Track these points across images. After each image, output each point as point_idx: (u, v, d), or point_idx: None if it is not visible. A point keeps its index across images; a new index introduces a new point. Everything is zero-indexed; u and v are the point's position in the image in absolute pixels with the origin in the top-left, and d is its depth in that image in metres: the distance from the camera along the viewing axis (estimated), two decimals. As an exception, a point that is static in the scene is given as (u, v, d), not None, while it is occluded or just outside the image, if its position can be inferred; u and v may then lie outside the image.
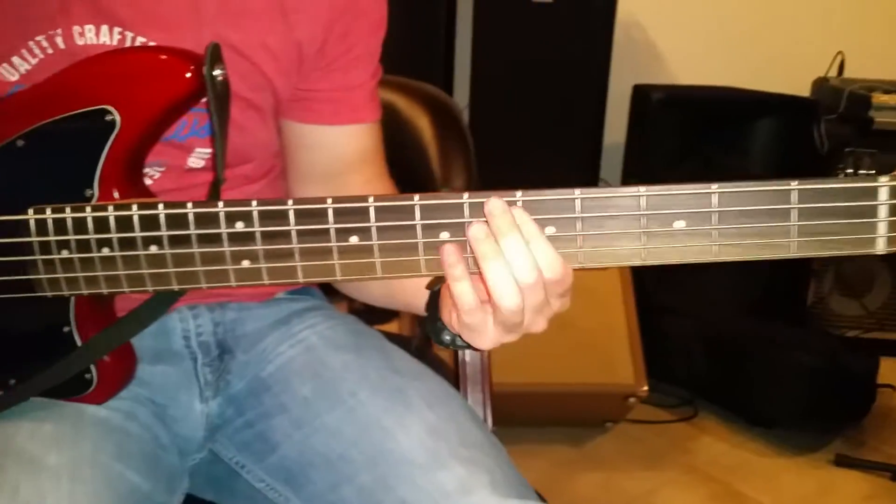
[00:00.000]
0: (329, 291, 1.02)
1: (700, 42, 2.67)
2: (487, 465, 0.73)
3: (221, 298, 0.87)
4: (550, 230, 0.59)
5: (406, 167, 1.04)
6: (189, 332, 0.85)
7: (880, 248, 0.57)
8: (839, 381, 1.99)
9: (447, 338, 0.71)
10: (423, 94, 1.23)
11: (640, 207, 0.58)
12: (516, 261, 0.58)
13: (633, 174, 2.37)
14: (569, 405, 1.92)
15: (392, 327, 1.55)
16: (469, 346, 0.70)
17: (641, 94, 2.33)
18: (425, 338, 1.26)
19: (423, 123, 1.21)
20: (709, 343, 2.13)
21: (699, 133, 2.29)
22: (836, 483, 1.88)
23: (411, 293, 0.79)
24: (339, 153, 0.88)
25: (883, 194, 0.56)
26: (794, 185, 0.57)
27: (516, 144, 2.34)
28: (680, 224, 0.58)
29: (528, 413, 1.85)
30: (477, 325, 0.63)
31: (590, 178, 2.50)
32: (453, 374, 1.08)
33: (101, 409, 0.75)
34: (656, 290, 2.13)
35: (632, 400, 1.87)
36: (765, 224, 0.57)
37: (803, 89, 2.48)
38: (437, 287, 0.72)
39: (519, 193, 0.59)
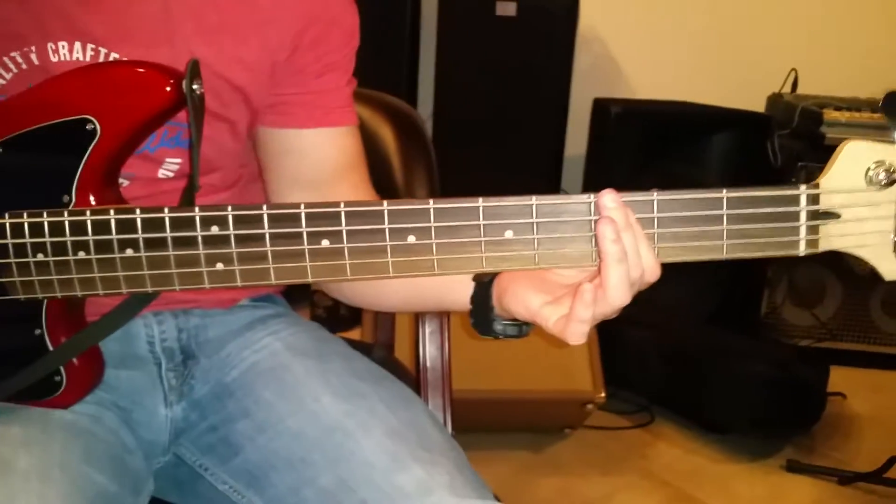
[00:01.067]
0: (292, 299, 1.04)
1: (659, 57, 2.74)
2: (446, 467, 0.75)
3: (186, 305, 0.88)
4: (509, 234, 0.63)
5: (370, 177, 1.07)
6: (153, 337, 0.86)
7: (801, 249, 0.63)
8: (791, 389, 2.05)
9: (499, 327, 0.74)
10: (387, 106, 1.26)
11: (590, 213, 0.63)
12: (631, 260, 0.62)
13: (594, 186, 2.40)
14: (528, 411, 1.95)
15: (354, 334, 1.57)
16: (519, 334, 0.73)
17: (601, 108, 2.38)
18: (386, 344, 1.29)
19: (386, 134, 1.23)
20: (665, 351, 2.17)
21: (658, 146, 2.34)
22: (786, 488, 1.94)
23: (447, 288, 0.80)
24: (319, 158, 0.88)
25: (803, 201, 0.62)
26: (725, 193, 0.62)
27: (479, 154, 2.37)
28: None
29: (488, 419, 1.87)
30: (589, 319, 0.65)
31: (551, 188, 2.53)
32: (414, 380, 1.10)
33: (68, 412, 0.75)
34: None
35: (590, 406, 1.90)
36: (700, 228, 0.62)
37: (758, 105, 2.55)
38: (486, 278, 0.74)
39: (480, 200, 0.62)
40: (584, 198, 0.63)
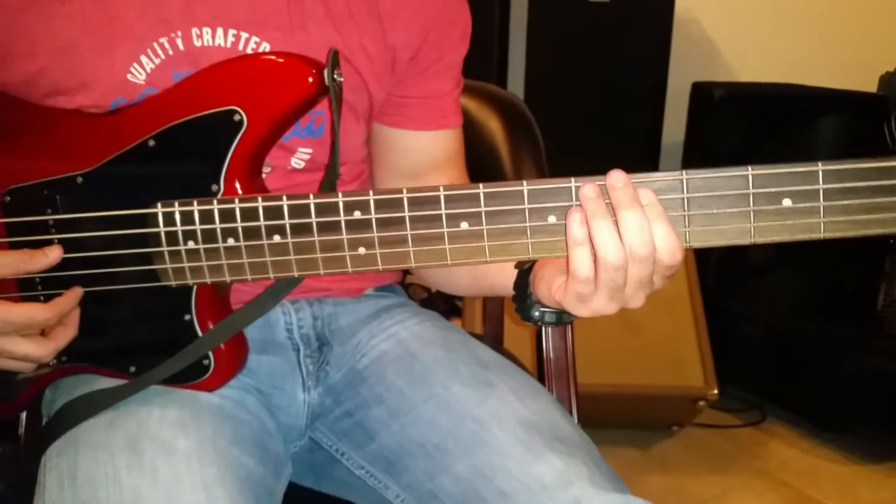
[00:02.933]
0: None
1: (760, 38, 2.63)
2: (583, 459, 0.75)
3: (319, 293, 0.91)
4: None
5: (478, 168, 1.07)
6: (292, 324, 0.89)
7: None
8: (914, 386, 1.96)
9: (536, 314, 0.75)
10: (493, 96, 1.27)
11: (748, 186, 0.60)
12: (633, 232, 0.61)
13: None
14: (637, 407, 1.91)
15: (455, 324, 1.58)
16: (558, 322, 0.74)
17: (702, 92, 2.29)
18: (496, 336, 1.29)
19: (493, 125, 1.24)
20: (777, 346, 2.10)
21: (762, 131, 2.26)
22: (913, 492, 1.85)
23: (495, 274, 0.84)
24: (426, 157, 0.92)
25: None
26: (896, 162, 0.59)
27: (572, 145, 2.33)
28: (787, 202, 0.59)
29: (596, 414, 1.84)
30: (586, 294, 0.65)
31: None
32: (530, 372, 1.10)
33: (214, 396, 0.78)
34: (723, 293, 2.12)
35: (701, 403, 1.85)
36: (869, 200, 0.59)
37: (870, 85, 2.42)
38: (526, 265, 0.75)
39: (630, 176, 0.61)
40: (740, 170, 0.61)
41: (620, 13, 2.27)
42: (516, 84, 2.47)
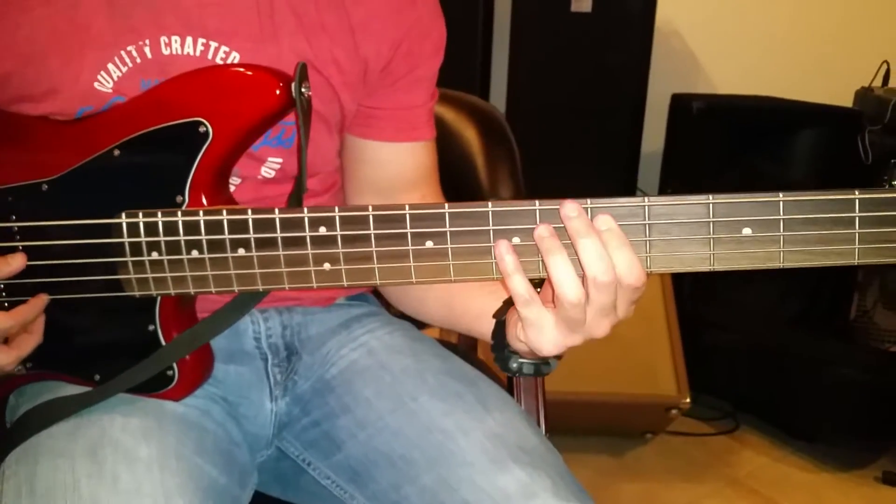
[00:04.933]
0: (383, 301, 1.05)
1: (739, 51, 2.66)
2: (547, 471, 0.75)
3: (289, 303, 0.91)
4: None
5: (453, 178, 1.07)
6: (260, 333, 0.88)
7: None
8: (885, 396, 1.98)
9: (514, 365, 0.75)
10: (470, 106, 1.27)
11: (708, 215, 0.60)
12: (592, 259, 0.61)
13: (672, 183, 2.37)
14: (610, 415, 1.92)
15: (433, 333, 1.58)
16: (536, 373, 0.74)
17: (681, 103, 2.32)
18: (470, 345, 1.29)
19: (469, 135, 1.24)
20: (751, 355, 2.12)
21: (740, 143, 2.28)
22: (883, 501, 1.87)
23: (474, 317, 0.82)
24: (397, 169, 0.91)
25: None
26: (858, 194, 0.59)
27: (553, 153, 2.35)
28: (747, 231, 0.60)
29: (569, 421, 1.86)
30: (536, 319, 0.66)
31: (627, 186, 2.50)
32: (501, 382, 1.10)
33: (179, 405, 0.78)
34: (697, 302, 2.13)
35: (674, 411, 1.87)
36: (829, 231, 0.59)
37: (846, 99, 2.46)
38: (503, 316, 0.75)
39: (588, 201, 0.62)
40: (701, 198, 0.61)
41: (602, 24, 2.29)
42: (499, 93, 2.48)
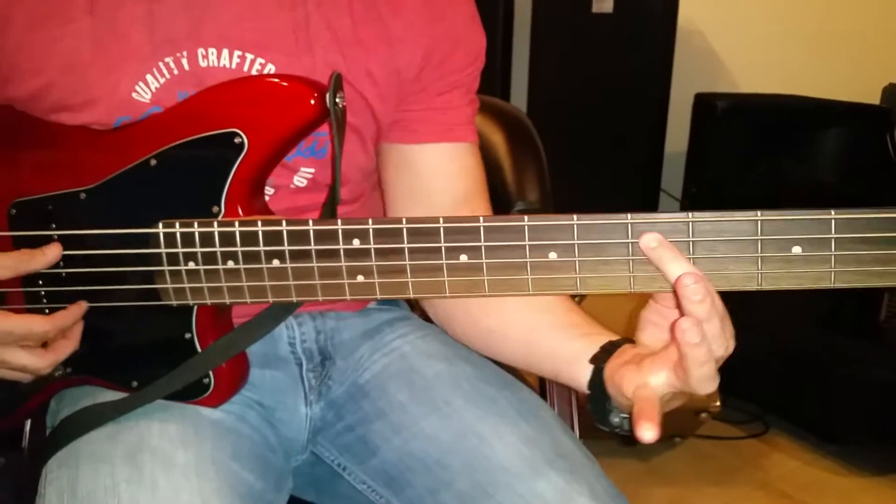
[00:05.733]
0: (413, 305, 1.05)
1: (763, 49, 2.63)
2: (584, 476, 0.75)
3: (322, 308, 0.91)
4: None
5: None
6: (294, 338, 0.89)
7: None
8: (918, 398, 1.95)
9: (616, 420, 0.69)
10: (497, 110, 1.26)
11: (756, 232, 0.59)
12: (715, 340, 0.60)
13: (696, 184, 2.34)
14: (639, 418, 1.91)
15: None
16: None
17: (705, 103, 2.30)
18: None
19: (496, 140, 1.24)
20: (780, 358, 2.09)
21: (764, 142, 2.26)
22: (918, 505, 1.84)
23: (562, 358, 0.76)
24: (440, 174, 0.89)
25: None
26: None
27: (575, 155, 2.34)
28: (797, 249, 0.58)
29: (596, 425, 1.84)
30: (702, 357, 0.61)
31: (651, 188, 2.47)
32: (532, 386, 1.10)
33: (216, 411, 0.79)
34: (725, 304, 2.10)
35: (704, 415, 1.85)
36: (884, 251, 0.57)
37: (873, 97, 2.42)
38: (602, 363, 0.70)
39: (629, 216, 0.61)
40: (749, 215, 0.59)
41: (624, 24, 2.27)
42: (519, 95, 2.47)
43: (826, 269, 0.58)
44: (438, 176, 0.89)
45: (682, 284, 0.58)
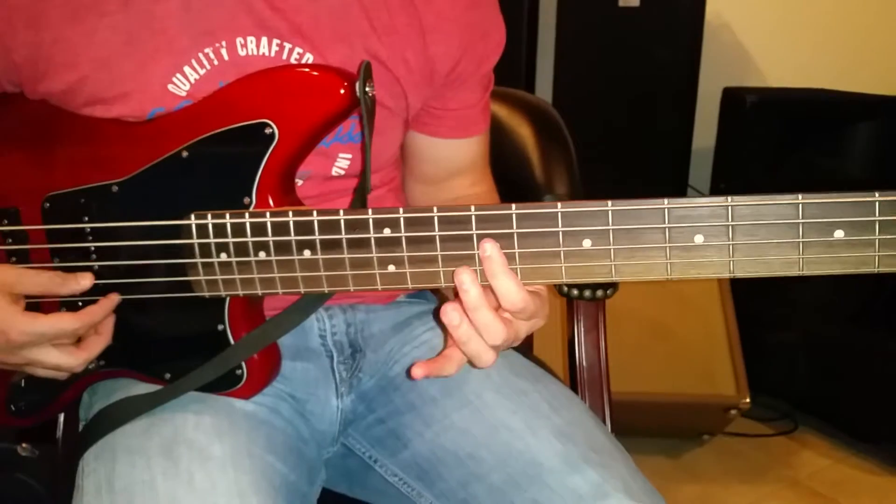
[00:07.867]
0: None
1: (791, 43, 2.59)
2: (619, 471, 0.75)
3: (352, 300, 0.91)
4: (699, 238, 0.60)
5: (508, 177, 1.07)
6: (325, 331, 0.89)
7: None
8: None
9: None
10: (525, 104, 1.26)
11: (797, 216, 0.58)
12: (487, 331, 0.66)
13: (724, 180, 2.32)
14: (667, 416, 1.89)
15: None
16: None
17: (734, 98, 2.26)
18: (526, 342, 1.28)
19: (524, 132, 1.23)
20: (810, 354, 2.07)
21: (794, 137, 2.22)
22: (952, 504, 1.81)
23: None
24: (452, 162, 0.93)
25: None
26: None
27: (601, 150, 2.31)
28: (839, 233, 0.57)
29: (625, 422, 1.83)
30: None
31: (679, 184, 2.45)
32: (561, 380, 1.09)
33: (249, 403, 0.79)
34: (755, 300, 2.09)
35: (733, 412, 1.83)
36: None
37: (906, 89, 2.38)
38: None
39: (666, 201, 0.60)
40: (790, 198, 0.59)
41: (651, 18, 2.25)
42: (544, 89, 2.45)
43: (870, 254, 0.57)
44: (452, 165, 0.94)
45: (456, 275, 0.66)
